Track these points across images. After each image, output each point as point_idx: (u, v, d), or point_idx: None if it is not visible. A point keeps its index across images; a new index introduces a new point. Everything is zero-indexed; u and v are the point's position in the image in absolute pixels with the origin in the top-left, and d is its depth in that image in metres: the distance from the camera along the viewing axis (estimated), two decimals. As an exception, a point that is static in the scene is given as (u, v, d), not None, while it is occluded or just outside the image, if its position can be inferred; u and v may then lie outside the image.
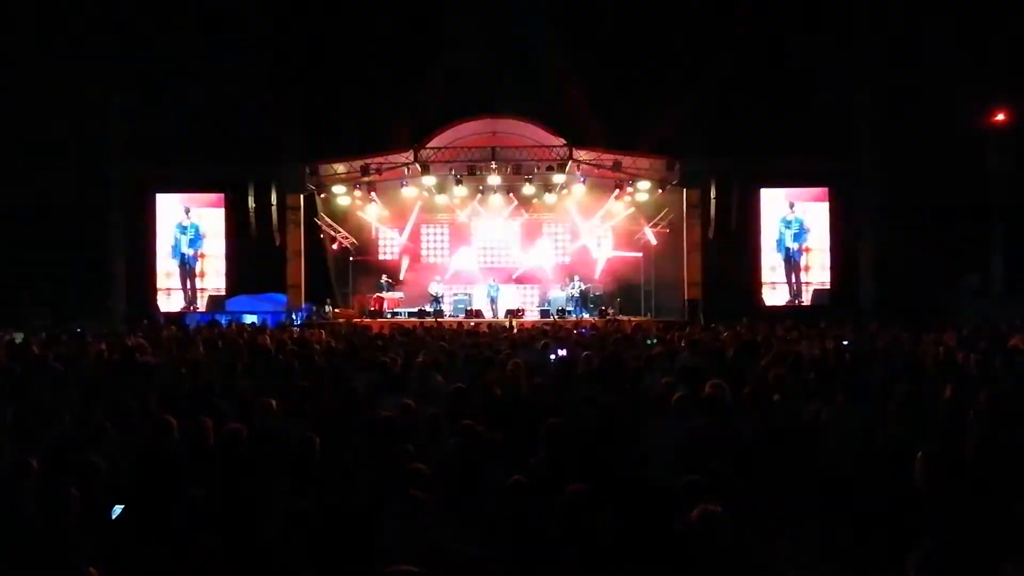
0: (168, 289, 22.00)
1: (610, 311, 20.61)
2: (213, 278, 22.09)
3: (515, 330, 14.78)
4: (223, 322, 16.68)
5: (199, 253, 21.96)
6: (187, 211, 21.85)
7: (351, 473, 4.86)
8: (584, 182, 21.71)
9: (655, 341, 11.61)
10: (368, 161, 20.85)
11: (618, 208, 22.62)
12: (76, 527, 3.93)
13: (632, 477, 4.76)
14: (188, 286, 21.94)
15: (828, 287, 21.28)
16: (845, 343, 10.62)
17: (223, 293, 21.55)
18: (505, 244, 24.03)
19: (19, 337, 12.04)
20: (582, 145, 20.66)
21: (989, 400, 5.50)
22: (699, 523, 3.47)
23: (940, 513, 3.84)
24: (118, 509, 4.20)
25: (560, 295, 22.26)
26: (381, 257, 23.92)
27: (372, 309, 20.91)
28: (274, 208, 21.02)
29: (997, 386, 5.97)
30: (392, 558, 3.24)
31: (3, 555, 3.77)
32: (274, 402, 5.92)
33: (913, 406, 5.51)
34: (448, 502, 4.31)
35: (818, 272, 21.61)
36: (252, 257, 21.42)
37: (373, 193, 22.05)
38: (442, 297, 22.14)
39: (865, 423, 5.54)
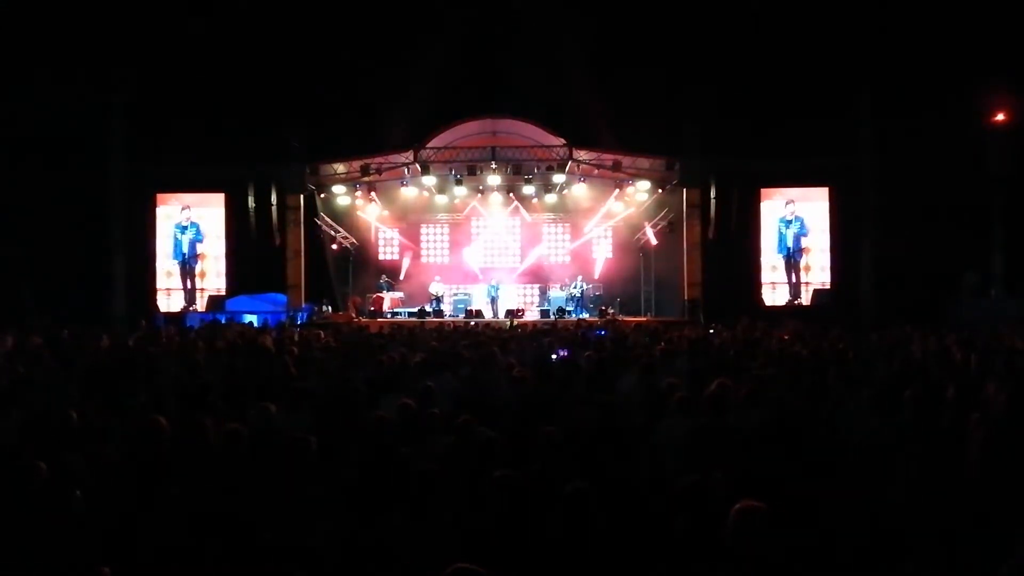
0: (168, 289, 21.99)
1: (610, 311, 20.61)
2: (213, 278, 22.07)
3: (516, 330, 14.78)
4: (222, 321, 16.65)
5: (199, 253, 21.94)
6: (185, 208, 21.80)
7: (349, 474, 4.85)
8: (584, 181, 21.72)
9: (650, 340, 11.58)
10: (368, 161, 20.88)
11: (618, 208, 22.66)
12: (86, 527, 3.93)
13: (634, 477, 4.74)
14: (188, 286, 21.92)
15: (828, 287, 21.27)
16: (845, 343, 10.61)
17: (223, 293, 21.54)
18: (505, 244, 24.05)
19: (19, 337, 12.00)
20: (582, 145, 20.66)
21: (994, 395, 5.45)
22: (738, 520, 3.23)
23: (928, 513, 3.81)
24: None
25: (560, 295, 22.26)
26: (381, 257, 23.95)
27: (372, 309, 20.90)
28: (274, 208, 21.01)
29: (1005, 385, 5.91)
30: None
31: (15, 556, 3.76)
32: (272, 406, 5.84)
33: (917, 406, 5.49)
34: (445, 502, 4.29)
35: (818, 272, 21.59)
36: (252, 257, 21.39)
37: (373, 193, 22.08)
38: (442, 297, 22.17)
39: (866, 423, 5.53)
